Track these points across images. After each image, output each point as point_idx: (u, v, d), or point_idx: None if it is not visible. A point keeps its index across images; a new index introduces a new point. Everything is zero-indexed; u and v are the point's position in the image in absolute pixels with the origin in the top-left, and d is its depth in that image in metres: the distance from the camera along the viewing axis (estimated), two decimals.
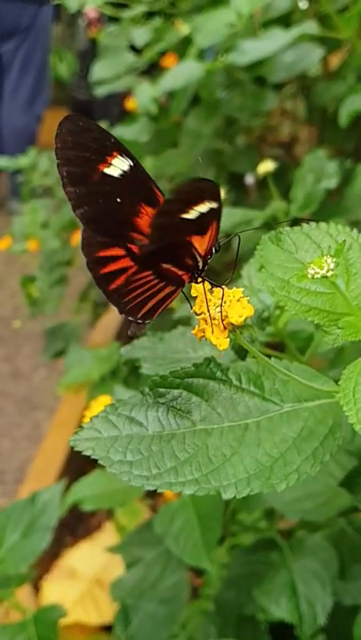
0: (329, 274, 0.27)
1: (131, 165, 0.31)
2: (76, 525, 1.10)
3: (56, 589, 0.91)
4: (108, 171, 0.30)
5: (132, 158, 0.31)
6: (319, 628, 0.51)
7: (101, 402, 0.47)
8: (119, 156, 0.31)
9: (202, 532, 0.52)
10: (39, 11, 2.11)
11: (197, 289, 0.29)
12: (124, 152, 0.31)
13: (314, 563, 0.54)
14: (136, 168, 0.31)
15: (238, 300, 0.28)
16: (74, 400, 1.19)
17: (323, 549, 0.54)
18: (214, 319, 0.28)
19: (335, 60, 1.05)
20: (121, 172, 0.31)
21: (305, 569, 0.53)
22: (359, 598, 0.52)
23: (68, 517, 1.07)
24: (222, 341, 0.27)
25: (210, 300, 0.28)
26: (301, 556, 0.54)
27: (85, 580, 0.91)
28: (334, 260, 0.27)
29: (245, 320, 0.27)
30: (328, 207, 0.79)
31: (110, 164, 0.30)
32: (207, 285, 0.29)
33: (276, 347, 0.44)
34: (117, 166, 0.31)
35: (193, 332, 0.28)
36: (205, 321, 0.28)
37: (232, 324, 0.27)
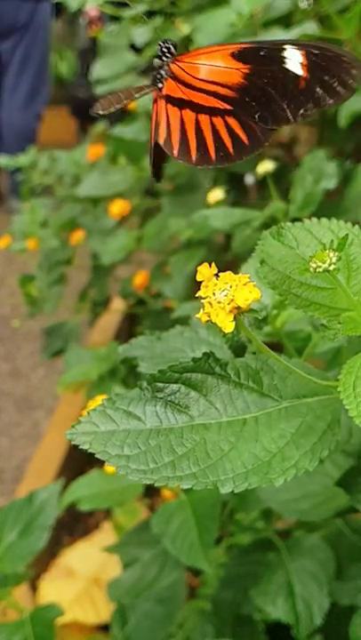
0: (331, 267, 0.27)
1: None
2: (73, 525, 1.10)
3: (53, 589, 0.91)
4: None
5: None
6: (316, 628, 0.51)
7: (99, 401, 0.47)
8: None
9: (199, 532, 0.52)
10: (37, 8, 2.09)
11: (202, 273, 0.29)
12: None
13: (311, 563, 0.53)
14: None
15: (245, 285, 0.28)
16: (73, 399, 1.19)
17: (320, 550, 0.54)
18: (220, 302, 0.28)
19: None
20: None
21: (302, 569, 0.53)
22: (356, 599, 0.52)
23: (65, 517, 1.07)
24: (228, 324, 0.27)
25: (216, 284, 0.28)
26: (298, 557, 0.54)
27: (83, 579, 0.91)
28: (337, 253, 0.27)
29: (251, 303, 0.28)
30: (327, 208, 0.78)
31: None
32: None
33: (274, 347, 0.44)
34: None
35: (198, 315, 0.28)
36: (210, 304, 0.28)
37: (239, 307, 0.27)
